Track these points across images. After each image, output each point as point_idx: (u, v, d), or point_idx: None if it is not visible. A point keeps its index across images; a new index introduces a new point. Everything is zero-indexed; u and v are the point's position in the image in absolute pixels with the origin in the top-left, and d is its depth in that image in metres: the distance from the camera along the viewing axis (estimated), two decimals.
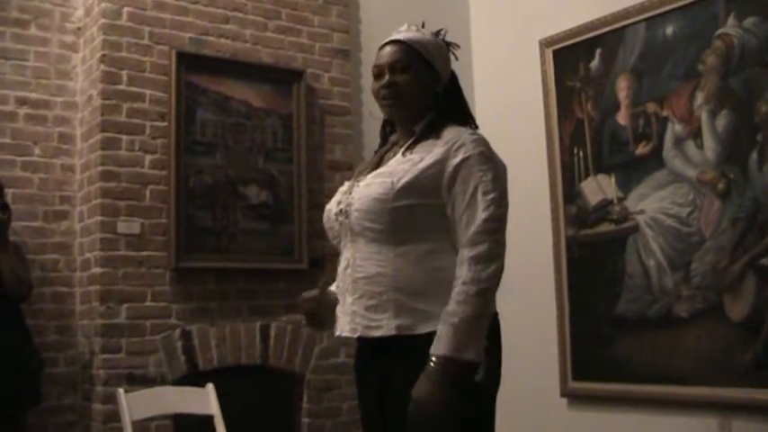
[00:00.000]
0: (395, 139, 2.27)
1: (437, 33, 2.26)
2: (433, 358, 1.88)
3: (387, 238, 2.04)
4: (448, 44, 2.27)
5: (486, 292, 1.92)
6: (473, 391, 1.91)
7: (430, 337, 1.93)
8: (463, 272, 1.93)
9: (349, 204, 2.12)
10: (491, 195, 1.99)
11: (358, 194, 2.11)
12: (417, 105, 2.18)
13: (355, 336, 2.09)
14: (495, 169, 2.05)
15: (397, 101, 2.17)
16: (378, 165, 2.22)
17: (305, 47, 4.30)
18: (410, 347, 1.97)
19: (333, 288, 2.28)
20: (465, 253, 1.95)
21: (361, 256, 2.07)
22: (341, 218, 2.14)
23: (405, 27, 2.25)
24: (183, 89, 3.87)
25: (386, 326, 2.01)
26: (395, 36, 2.22)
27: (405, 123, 2.22)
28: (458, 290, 1.92)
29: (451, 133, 2.10)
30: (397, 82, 2.16)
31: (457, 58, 2.30)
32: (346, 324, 2.11)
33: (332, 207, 2.21)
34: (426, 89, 2.18)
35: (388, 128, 2.34)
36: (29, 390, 3.37)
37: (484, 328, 1.92)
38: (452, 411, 1.86)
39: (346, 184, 2.26)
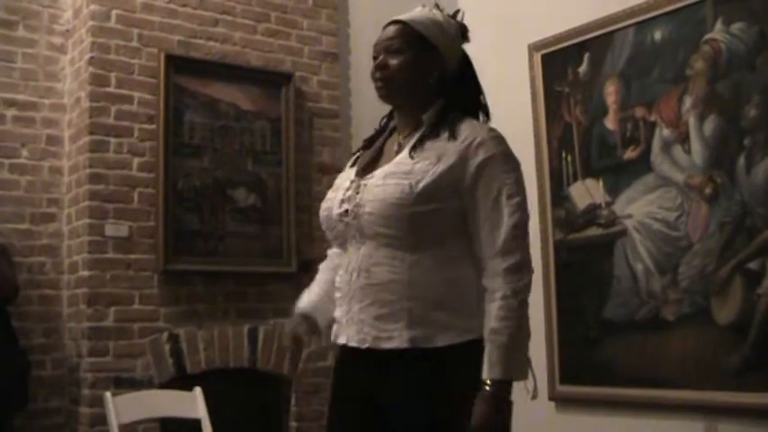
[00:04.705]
0: (394, 125, 2.12)
1: (454, 15, 2.13)
2: (488, 382, 1.81)
3: (402, 244, 1.90)
4: (461, 25, 2.13)
5: (525, 303, 1.85)
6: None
7: (448, 349, 1.86)
8: (498, 284, 1.83)
9: (358, 205, 1.94)
10: (516, 199, 1.88)
11: (370, 195, 1.92)
12: (414, 90, 2.03)
13: (363, 347, 1.93)
14: (517, 170, 1.93)
15: (388, 84, 2.02)
16: (378, 156, 2.07)
17: (294, 50, 4.30)
18: (425, 360, 1.86)
19: (312, 297, 2.21)
20: (498, 264, 1.84)
21: (373, 261, 1.92)
22: (347, 219, 1.96)
23: (419, 8, 2.10)
24: (172, 92, 3.86)
25: (398, 337, 1.87)
26: (399, 16, 2.06)
27: (405, 110, 2.07)
28: (498, 304, 1.82)
29: (468, 129, 1.95)
30: (388, 64, 2.01)
31: (469, 41, 2.16)
32: (354, 334, 1.95)
33: (333, 206, 2.01)
34: (425, 73, 2.03)
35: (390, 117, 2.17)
36: (15, 392, 3.36)
37: (528, 342, 1.87)
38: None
39: (344, 177, 2.09)
